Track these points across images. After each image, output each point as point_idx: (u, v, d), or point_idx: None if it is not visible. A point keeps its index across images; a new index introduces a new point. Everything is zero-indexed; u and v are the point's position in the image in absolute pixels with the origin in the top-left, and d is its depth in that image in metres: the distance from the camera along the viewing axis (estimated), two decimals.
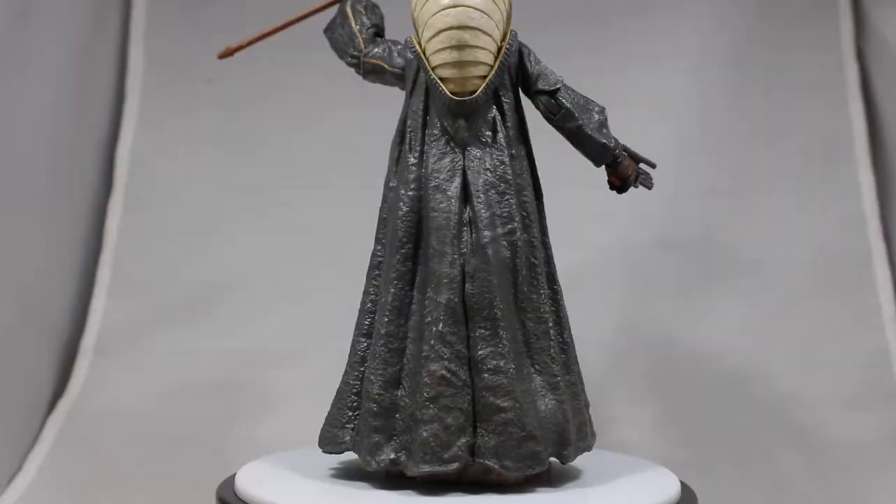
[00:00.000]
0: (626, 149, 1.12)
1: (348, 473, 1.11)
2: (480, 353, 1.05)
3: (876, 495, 1.53)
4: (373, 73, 1.14)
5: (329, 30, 1.18)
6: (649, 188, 1.14)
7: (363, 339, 1.10)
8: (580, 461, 1.11)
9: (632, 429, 1.63)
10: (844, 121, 1.78)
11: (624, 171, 1.13)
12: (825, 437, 1.61)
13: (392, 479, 1.08)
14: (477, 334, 1.05)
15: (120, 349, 1.70)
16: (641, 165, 1.13)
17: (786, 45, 1.79)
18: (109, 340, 1.70)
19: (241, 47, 1.23)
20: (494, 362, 1.05)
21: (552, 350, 1.09)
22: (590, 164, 1.13)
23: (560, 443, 1.08)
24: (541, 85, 1.11)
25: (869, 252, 1.73)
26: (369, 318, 1.10)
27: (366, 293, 1.11)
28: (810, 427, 1.63)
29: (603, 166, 1.13)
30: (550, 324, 1.09)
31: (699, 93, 1.77)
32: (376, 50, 1.13)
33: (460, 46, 1.06)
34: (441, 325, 1.05)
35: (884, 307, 1.71)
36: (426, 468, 1.04)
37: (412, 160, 1.08)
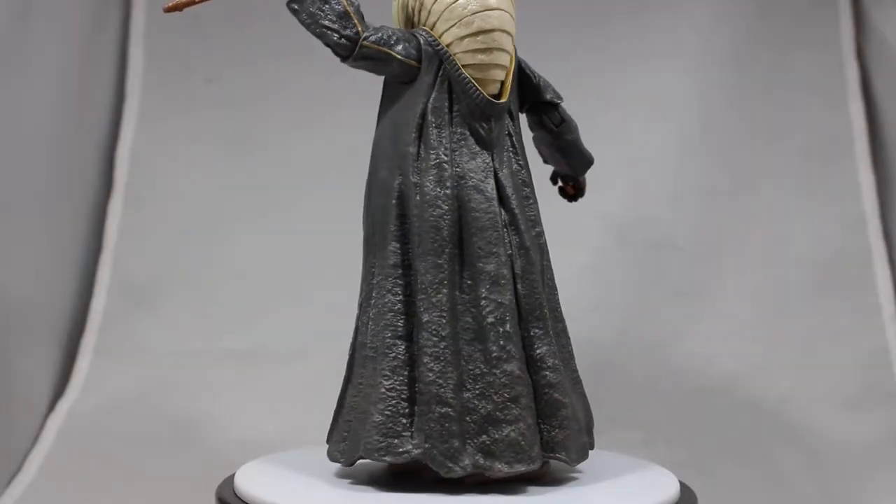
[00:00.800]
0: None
1: (348, 473, 1.11)
2: (538, 351, 1.06)
3: (875, 495, 1.53)
4: (372, 59, 1.06)
5: (297, 1, 1.08)
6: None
7: (400, 342, 1.05)
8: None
9: (632, 429, 1.63)
10: (844, 121, 1.78)
11: (584, 181, 1.19)
12: (825, 437, 1.61)
13: (392, 478, 1.08)
14: (532, 333, 1.06)
15: (120, 349, 1.70)
16: None
17: (786, 45, 1.79)
18: (109, 340, 1.70)
19: (192, 2, 1.11)
20: (552, 360, 1.06)
21: (570, 346, 1.11)
22: (590, 165, 1.14)
23: (589, 433, 1.12)
24: (549, 96, 1.13)
25: (869, 252, 1.73)
26: (402, 319, 1.06)
27: (391, 293, 1.06)
28: (810, 427, 1.63)
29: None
30: (566, 322, 1.11)
31: (699, 93, 1.77)
32: (379, 35, 1.06)
33: (499, 49, 1.06)
34: (507, 325, 1.05)
35: (884, 307, 1.71)
36: (520, 468, 1.04)
37: (436, 158, 1.06)
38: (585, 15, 1.79)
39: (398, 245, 1.07)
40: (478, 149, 1.07)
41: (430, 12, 1.07)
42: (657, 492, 1.08)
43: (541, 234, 1.09)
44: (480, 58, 1.06)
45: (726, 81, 1.78)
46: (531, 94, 1.13)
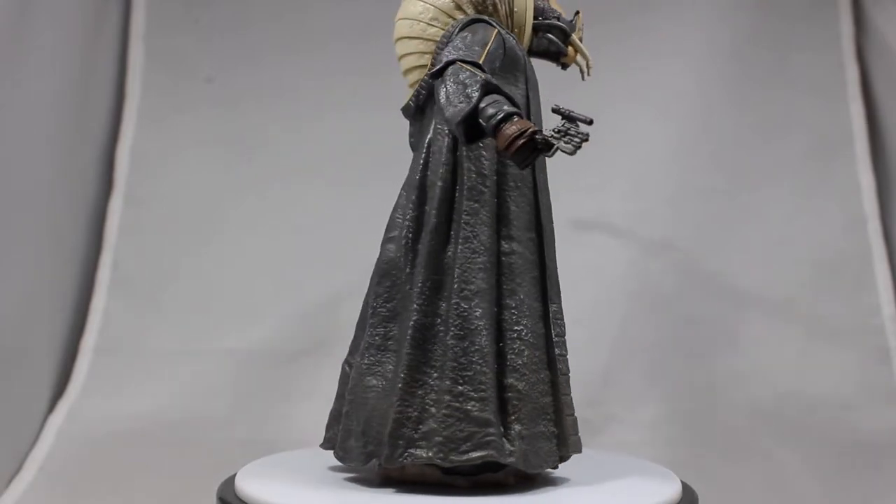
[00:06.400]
0: (558, 110, 1.01)
1: (348, 473, 1.11)
2: None
3: (876, 495, 1.53)
4: None
5: None
6: (567, 152, 0.99)
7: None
8: (580, 461, 1.11)
9: (632, 429, 1.63)
10: (844, 121, 1.78)
11: (497, 144, 1.00)
12: (825, 437, 1.61)
13: (392, 479, 1.08)
14: None
15: (120, 349, 1.70)
16: (582, 126, 1.01)
17: (786, 45, 1.79)
18: (109, 340, 1.70)
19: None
20: (355, 358, 1.10)
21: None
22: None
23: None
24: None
25: (869, 252, 1.73)
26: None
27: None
28: (810, 427, 1.63)
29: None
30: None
31: (699, 93, 1.77)
32: None
33: (400, 57, 1.10)
34: None
35: (884, 307, 1.71)
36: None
37: None
38: (585, 14, 1.78)
39: None
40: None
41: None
42: (658, 492, 1.08)
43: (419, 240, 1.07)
44: None
45: (726, 82, 1.78)
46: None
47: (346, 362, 1.10)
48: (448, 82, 1.01)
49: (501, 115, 0.98)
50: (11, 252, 1.57)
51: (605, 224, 1.73)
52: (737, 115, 1.77)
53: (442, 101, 1.00)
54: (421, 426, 1.02)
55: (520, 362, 1.04)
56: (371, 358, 1.05)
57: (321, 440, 1.11)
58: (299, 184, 1.76)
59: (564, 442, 1.07)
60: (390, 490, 1.06)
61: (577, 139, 0.98)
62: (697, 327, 1.71)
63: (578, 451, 1.09)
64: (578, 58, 1.15)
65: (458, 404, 1.02)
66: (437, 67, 1.02)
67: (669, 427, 1.63)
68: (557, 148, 0.98)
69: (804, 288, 1.72)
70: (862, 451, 1.59)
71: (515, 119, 0.98)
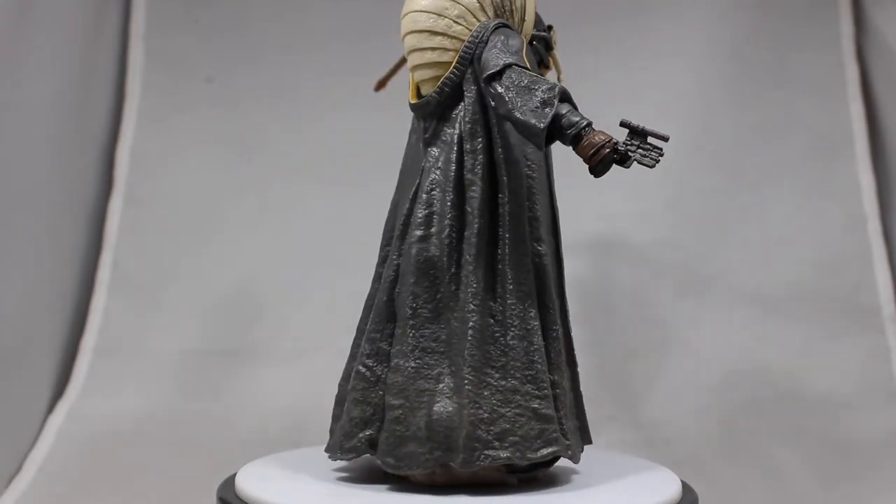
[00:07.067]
0: (628, 125, 1.02)
1: (348, 473, 1.11)
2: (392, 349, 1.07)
3: (876, 495, 1.53)
4: None
5: None
6: (649, 166, 1.01)
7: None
8: (581, 461, 1.11)
9: (632, 429, 1.63)
10: (844, 121, 1.78)
11: (581, 152, 1.02)
12: (825, 437, 1.61)
13: (392, 479, 1.08)
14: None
15: (120, 349, 1.70)
16: (651, 140, 1.02)
17: (786, 45, 1.79)
18: (109, 340, 1.70)
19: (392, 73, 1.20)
20: (395, 361, 1.05)
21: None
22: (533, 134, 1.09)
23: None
24: (485, 73, 1.05)
25: (869, 252, 1.73)
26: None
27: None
28: (810, 427, 1.63)
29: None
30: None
31: (700, 93, 1.77)
32: None
33: (412, 51, 1.08)
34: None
35: (884, 307, 1.71)
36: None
37: None
38: (585, 15, 1.79)
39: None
40: (421, 147, 1.09)
41: None
42: (658, 492, 1.08)
43: (443, 230, 1.05)
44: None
45: (727, 82, 1.78)
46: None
47: (364, 365, 1.07)
48: (511, 84, 1.02)
49: (583, 123, 1.01)
50: (11, 252, 1.57)
51: (604, 224, 1.73)
52: (737, 115, 1.77)
53: (508, 104, 1.02)
54: (493, 427, 1.03)
55: (559, 360, 1.07)
56: (418, 360, 1.05)
57: (318, 441, 1.11)
58: (299, 184, 1.76)
59: (585, 433, 1.11)
60: (389, 489, 1.06)
61: (654, 153, 1.01)
62: (697, 327, 1.71)
63: (590, 441, 1.12)
64: (552, 70, 1.17)
65: (526, 403, 1.04)
66: (495, 70, 1.03)
67: (669, 427, 1.63)
68: (634, 160, 1.01)
69: (804, 288, 1.72)
70: (862, 451, 1.59)
71: (593, 129, 1.02)
